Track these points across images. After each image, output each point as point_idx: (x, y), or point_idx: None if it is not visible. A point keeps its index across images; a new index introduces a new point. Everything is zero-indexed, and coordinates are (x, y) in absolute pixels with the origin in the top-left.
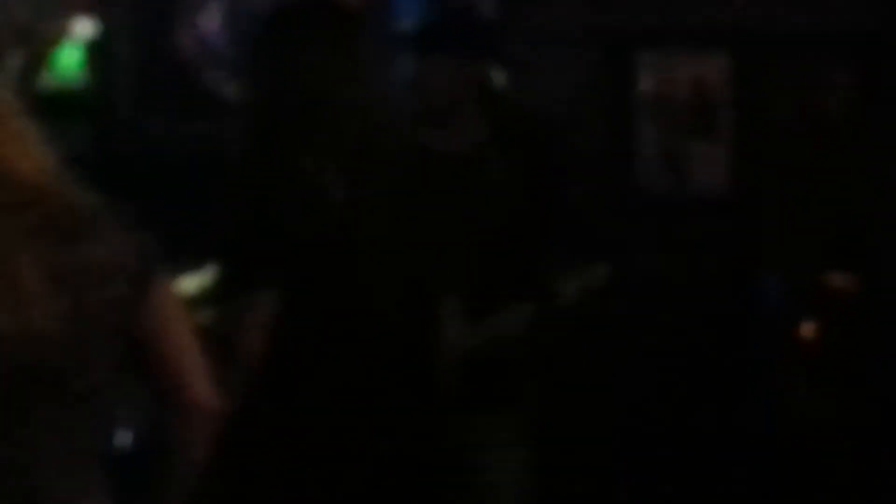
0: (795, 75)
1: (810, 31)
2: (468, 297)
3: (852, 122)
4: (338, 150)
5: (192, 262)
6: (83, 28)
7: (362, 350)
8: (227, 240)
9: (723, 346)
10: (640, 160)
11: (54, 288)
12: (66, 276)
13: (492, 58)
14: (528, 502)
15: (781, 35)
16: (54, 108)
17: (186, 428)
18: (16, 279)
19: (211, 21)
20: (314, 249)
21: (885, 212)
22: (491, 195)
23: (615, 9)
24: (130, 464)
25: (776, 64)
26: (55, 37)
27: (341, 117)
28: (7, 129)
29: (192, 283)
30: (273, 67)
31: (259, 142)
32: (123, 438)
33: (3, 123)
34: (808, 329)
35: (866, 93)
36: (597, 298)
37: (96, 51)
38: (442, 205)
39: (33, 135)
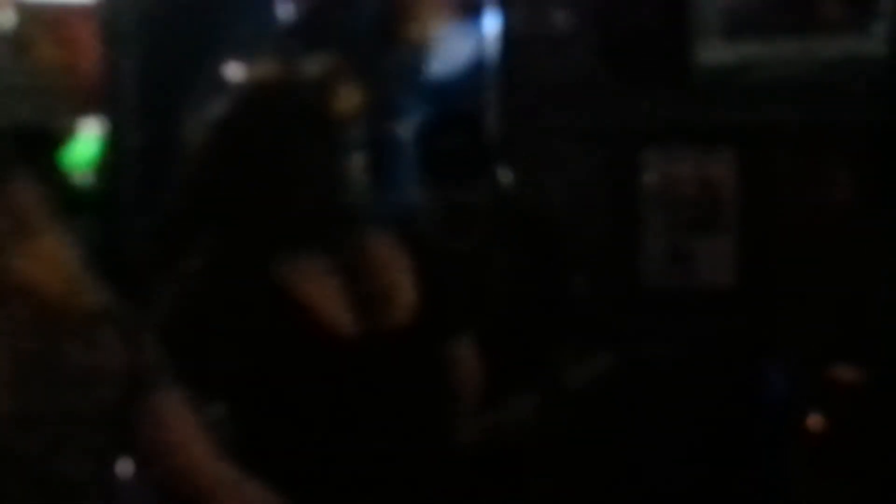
0: (799, 169)
1: (813, 125)
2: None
3: (857, 213)
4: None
5: None
6: (90, 127)
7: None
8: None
9: (729, 438)
10: (646, 255)
11: (34, 378)
12: (51, 370)
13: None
14: None
15: (785, 129)
16: (65, 206)
17: None
18: None
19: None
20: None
21: (891, 304)
22: (496, 288)
23: (619, 106)
24: None
25: (780, 158)
26: (63, 136)
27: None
28: (22, 226)
29: None
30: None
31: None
32: None
33: (18, 220)
34: (814, 421)
35: (870, 185)
36: (603, 388)
37: (104, 149)
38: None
39: (52, 230)
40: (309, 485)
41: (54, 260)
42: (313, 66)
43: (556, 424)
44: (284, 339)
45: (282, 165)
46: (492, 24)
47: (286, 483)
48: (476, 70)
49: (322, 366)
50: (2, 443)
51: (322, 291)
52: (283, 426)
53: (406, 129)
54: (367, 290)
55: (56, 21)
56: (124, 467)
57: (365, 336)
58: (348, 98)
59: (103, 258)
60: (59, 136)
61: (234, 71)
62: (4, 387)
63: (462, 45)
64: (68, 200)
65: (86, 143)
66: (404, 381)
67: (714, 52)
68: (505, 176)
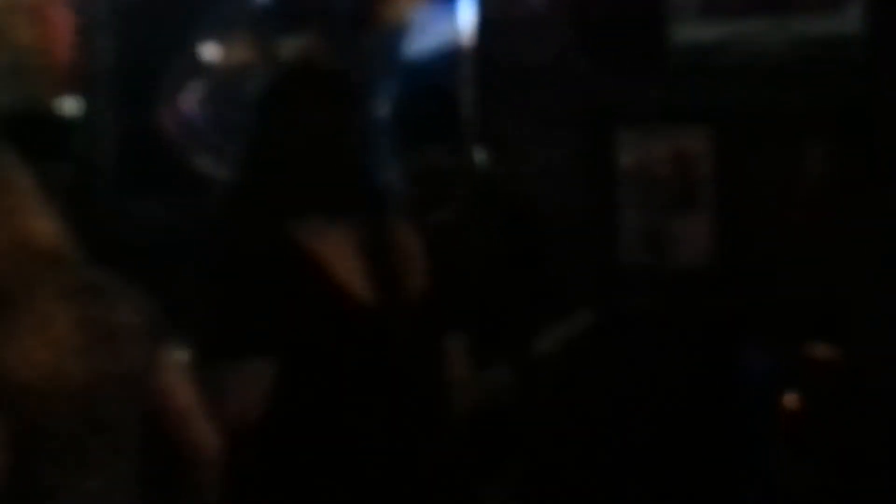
0: (775, 148)
1: (789, 104)
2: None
3: (833, 192)
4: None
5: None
6: (64, 108)
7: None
8: (214, 311)
9: (706, 417)
10: (622, 234)
11: (89, 345)
12: (99, 335)
13: (468, 139)
14: None
15: (760, 108)
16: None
17: (191, 469)
18: (55, 336)
19: (192, 101)
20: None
21: (867, 282)
22: (473, 262)
23: (595, 87)
24: None
25: (756, 137)
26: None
27: (339, 181)
28: (19, 198)
29: None
30: (272, 137)
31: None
32: None
33: (13, 192)
34: (791, 400)
35: (846, 163)
36: (583, 345)
37: (77, 130)
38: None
39: (43, 200)
40: (321, 438)
41: (60, 227)
42: (290, 46)
43: (531, 393)
44: (302, 298)
45: (315, 138)
46: (468, 5)
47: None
48: (452, 51)
49: (336, 327)
50: (73, 407)
51: (342, 257)
52: (300, 381)
53: (383, 108)
54: (385, 262)
55: (32, 3)
56: None
57: (378, 306)
58: None
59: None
60: (37, 119)
61: (211, 52)
62: (74, 355)
63: (439, 26)
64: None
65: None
66: (409, 354)
67: (690, 32)
68: (480, 155)
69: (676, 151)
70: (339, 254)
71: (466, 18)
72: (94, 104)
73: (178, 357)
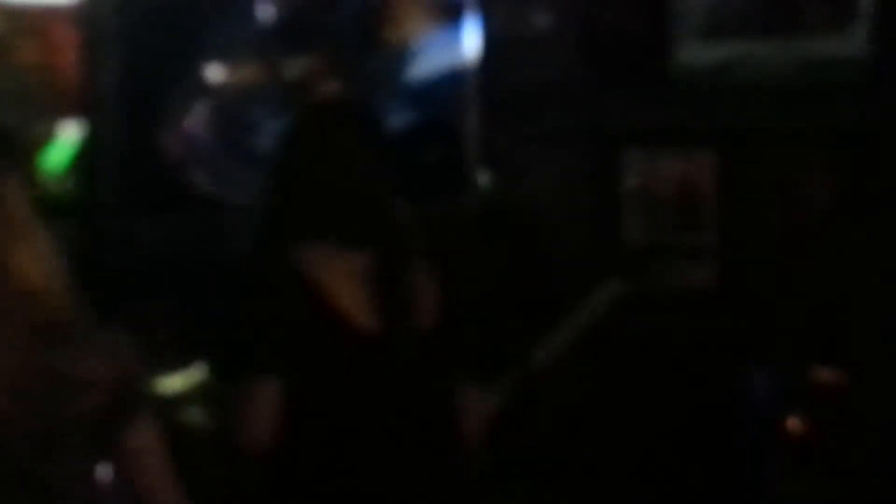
0: (780, 170)
1: (793, 126)
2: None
3: (836, 215)
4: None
5: (178, 361)
6: (69, 130)
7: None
8: (231, 327)
9: (710, 439)
10: (627, 256)
11: (31, 383)
12: (46, 376)
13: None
14: None
15: (764, 130)
16: (41, 209)
17: None
18: None
19: (197, 123)
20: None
21: (871, 306)
22: (476, 284)
23: (600, 108)
24: None
25: (760, 160)
26: (42, 139)
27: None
28: (12, 231)
29: (178, 381)
30: (293, 168)
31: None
32: None
33: (6, 225)
34: (795, 423)
35: (850, 185)
36: (611, 317)
37: (83, 152)
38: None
39: (41, 233)
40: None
41: (48, 264)
42: (296, 67)
43: (531, 412)
44: (307, 325)
45: (334, 169)
46: (473, 26)
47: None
48: (457, 72)
49: (339, 356)
50: (9, 448)
51: (347, 286)
52: (307, 406)
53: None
54: (394, 292)
55: (37, 24)
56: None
57: (384, 336)
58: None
59: (82, 262)
60: (39, 139)
61: (216, 73)
62: (2, 390)
63: (443, 47)
64: (46, 204)
65: (65, 147)
66: (416, 385)
67: (694, 53)
68: (484, 178)
69: (681, 173)
70: (344, 283)
71: (471, 40)
72: (99, 125)
73: (153, 425)
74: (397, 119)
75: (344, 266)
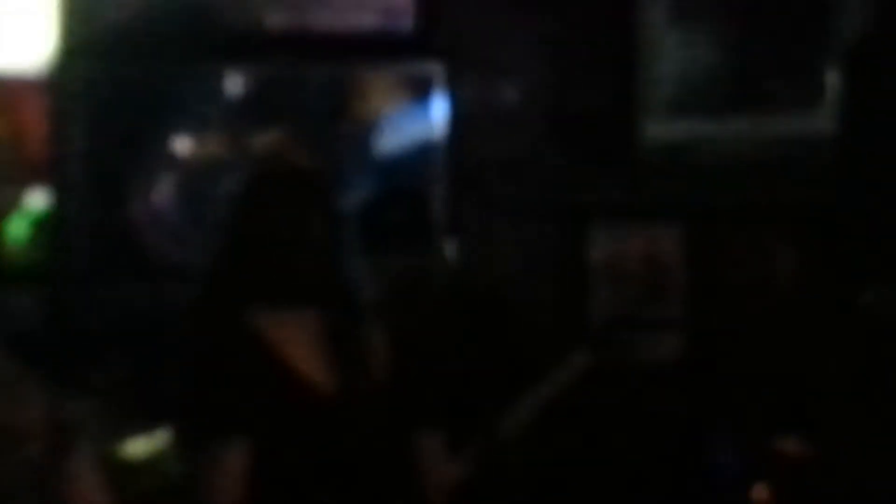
0: (745, 247)
1: (759, 203)
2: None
3: (803, 291)
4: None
5: (142, 426)
6: (34, 199)
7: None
8: (190, 392)
9: None
10: (592, 329)
11: None
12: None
13: (438, 235)
14: None
15: (731, 208)
16: (6, 276)
17: None
18: None
19: (164, 194)
20: (281, 399)
21: (835, 379)
22: (441, 355)
23: (566, 182)
24: None
25: (726, 236)
26: (5, 208)
27: (308, 271)
28: None
29: (141, 446)
30: (241, 231)
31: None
32: None
33: None
34: (760, 492)
35: (815, 263)
36: (581, 391)
37: (47, 221)
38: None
39: None
40: None
41: None
42: (262, 140)
43: (494, 477)
44: (264, 386)
45: (283, 233)
46: (441, 100)
47: None
48: (425, 146)
49: (296, 416)
50: None
51: (302, 347)
52: (271, 466)
53: (353, 204)
54: (349, 354)
55: (4, 94)
56: None
57: (339, 395)
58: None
59: (49, 330)
60: (5, 208)
61: (183, 146)
62: None
63: (411, 121)
64: (11, 272)
65: (30, 216)
66: (371, 446)
67: (661, 130)
68: (451, 250)
69: (647, 248)
70: (299, 344)
71: (440, 113)
72: (65, 195)
73: (88, 454)
74: (365, 191)
75: (299, 328)
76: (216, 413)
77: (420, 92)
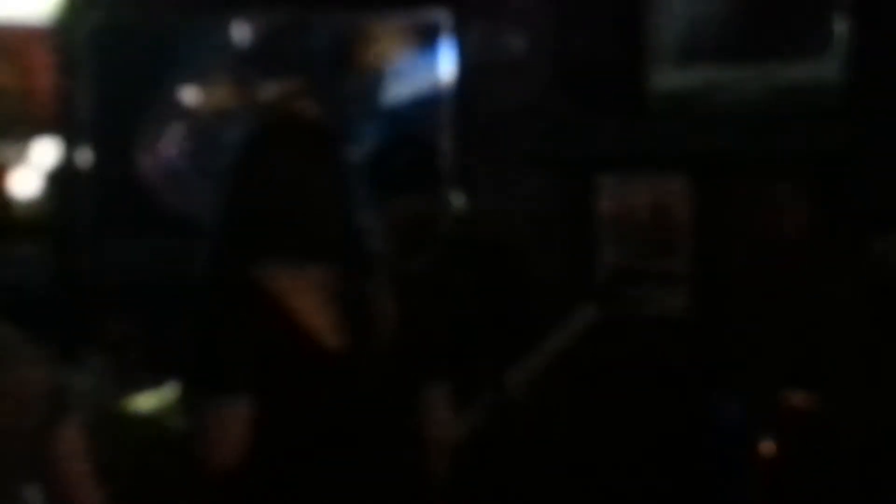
0: (753, 196)
1: (767, 152)
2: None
3: (811, 240)
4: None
5: (152, 380)
6: (43, 151)
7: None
8: (195, 347)
9: (682, 465)
10: (599, 280)
11: None
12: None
13: (446, 184)
14: None
15: (738, 157)
16: (15, 230)
17: None
18: None
19: (172, 145)
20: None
21: (842, 330)
22: (448, 303)
23: (574, 133)
24: None
25: (733, 185)
26: (15, 160)
27: (315, 225)
28: None
29: (149, 400)
30: (248, 185)
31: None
32: None
33: None
34: (767, 448)
35: (824, 211)
36: (585, 343)
37: (56, 173)
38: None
39: None
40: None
41: None
42: (270, 90)
43: (502, 432)
44: (270, 342)
45: (290, 185)
46: (448, 50)
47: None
48: (432, 96)
49: (303, 373)
50: None
51: (309, 303)
52: (276, 423)
53: (360, 153)
54: (357, 311)
55: (12, 46)
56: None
57: (347, 353)
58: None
59: (57, 284)
60: (14, 160)
61: (191, 96)
62: None
63: (418, 71)
64: (21, 224)
65: (37, 169)
66: (377, 401)
67: (668, 79)
68: (458, 199)
69: (655, 198)
70: (307, 300)
71: (446, 63)
72: (74, 147)
73: (76, 424)
74: (372, 139)
75: (306, 283)
76: (220, 368)
77: (427, 40)
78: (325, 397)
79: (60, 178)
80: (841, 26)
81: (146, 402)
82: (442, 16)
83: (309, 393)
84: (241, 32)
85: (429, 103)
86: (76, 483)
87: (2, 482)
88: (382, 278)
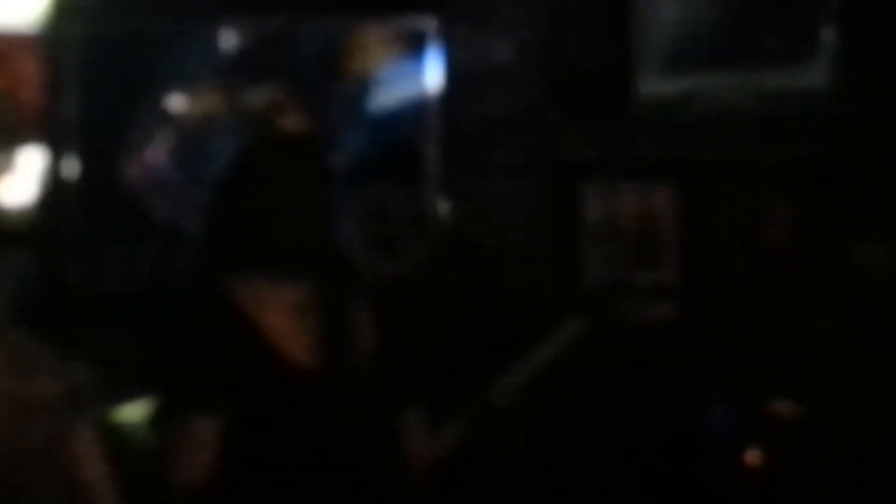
0: (740, 202)
1: (754, 158)
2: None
3: (797, 248)
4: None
5: (136, 390)
6: (30, 159)
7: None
8: (168, 364)
9: (670, 472)
10: (587, 288)
11: (7, 415)
12: (21, 406)
13: (429, 187)
14: None
15: (725, 164)
16: (1, 238)
17: None
18: None
19: (158, 152)
20: (259, 374)
21: (828, 339)
22: (432, 311)
23: (561, 139)
24: None
25: (720, 192)
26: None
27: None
28: None
29: (135, 411)
30: (232, 199)
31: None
32: None
33: None
34: (753, 455)
35: (810, 219)
36: (573, 356)
37: (43, 181)
38: (390, 320)
39: None
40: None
41: None
42: (257, 97)
43: (489, 445)
44: (240, 358)
45: (277, 201)
46: (435, 58)
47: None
48: (419, 103)
49: (273, 392)
50: None
51: (280, 319)
52: (246, 441)
53: (346, 160)
54: (334, 326)
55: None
56: None
57: (320, 371)
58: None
59: (43, 288)
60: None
61: (178, 103)
62: None
63: (405, 78)
64: (6, 232)
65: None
66: (352, 422)
67: (655, 86)
68: (444, 206)
69: (642, 206)
70: (278, 317)
71: (433, 71)
72: (60, 154)
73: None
74: (359, 147)
75: (278, 300)
76: (191, 383)
77: (414, 47)
78: (297, 417)
79: (47, 186)
80: (827, 33)
81: (129, 413)
82: (429, 23)
83: (279, 412)
84: (228, 40)
85: (415, 110)
86: (94, 487)
87: (20, 492)
88: (362, 295)
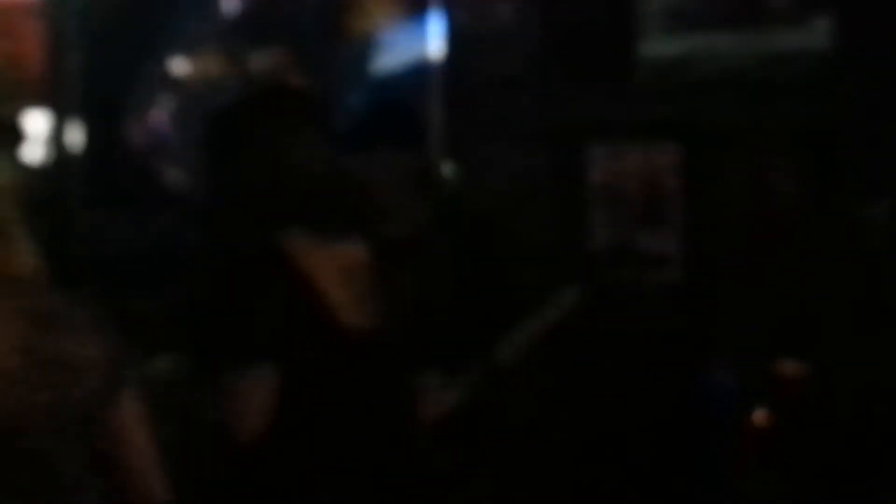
0: (743, 164)
1: (756, 120)
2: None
3: (801, 208)
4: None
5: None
6: (33, 122)
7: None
8: (213, 319)
9: (675, 434)
10: (591, 251)
11: (25, 374)
12: (40, 364)
13: (430, 149)
14: None
15: (728, 125)
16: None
17: None
18: None
19: (161, 115)
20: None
21: (834, 298)
22: (435, 275)
23: (563, 102)
24: None
25: (724, 153)
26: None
27: (305, 194)
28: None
29: (169, 370)
30: (234, 156)
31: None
32: None
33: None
34: (760, 417)
35: (813, 179)
36: (571, 324)
37: (46, 144)
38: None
39: (22, 229)
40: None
41: (28, 251)
42: (260, 59)
43: (497, 405)
44: (298, 319)
45: (280, 155)
46: (437, 19)
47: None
48: (421, 65)
49: (323, 350)
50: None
51: (337, 281)
52: (295, 392)
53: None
54: (382, 289)
55: (2, 17)
56: None
57: (368, 331)
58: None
59: (47, 253)
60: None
61: (180, 66)
62: (12, 378)
63: (407, 40)
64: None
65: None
66: (382, 381)
67: (658, 47)
68: (447, 169)
69: (645, 167)
70: (334, 277)
71: (436, 32)
72: (63, 117)
73: (136, 402)
74: (360, 109)
75: (334, 260)
76: (247, 339)
77: (415, 9)
78: (340, 375)
79: (51, 150)
80: None
81: (162, 372)
82: None
83: (326, 370)
84: (230, 2)
85: (417, 72)
86: (138, 456)
87: (53, 458)
88: (399, 258)
